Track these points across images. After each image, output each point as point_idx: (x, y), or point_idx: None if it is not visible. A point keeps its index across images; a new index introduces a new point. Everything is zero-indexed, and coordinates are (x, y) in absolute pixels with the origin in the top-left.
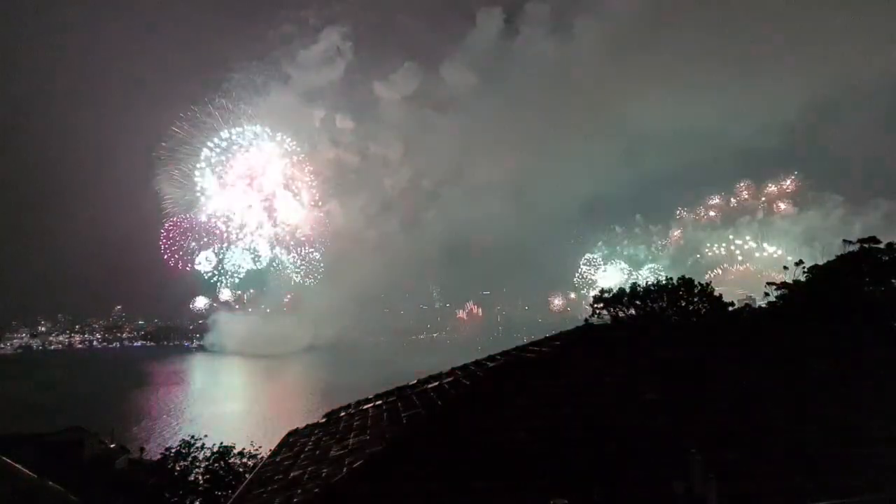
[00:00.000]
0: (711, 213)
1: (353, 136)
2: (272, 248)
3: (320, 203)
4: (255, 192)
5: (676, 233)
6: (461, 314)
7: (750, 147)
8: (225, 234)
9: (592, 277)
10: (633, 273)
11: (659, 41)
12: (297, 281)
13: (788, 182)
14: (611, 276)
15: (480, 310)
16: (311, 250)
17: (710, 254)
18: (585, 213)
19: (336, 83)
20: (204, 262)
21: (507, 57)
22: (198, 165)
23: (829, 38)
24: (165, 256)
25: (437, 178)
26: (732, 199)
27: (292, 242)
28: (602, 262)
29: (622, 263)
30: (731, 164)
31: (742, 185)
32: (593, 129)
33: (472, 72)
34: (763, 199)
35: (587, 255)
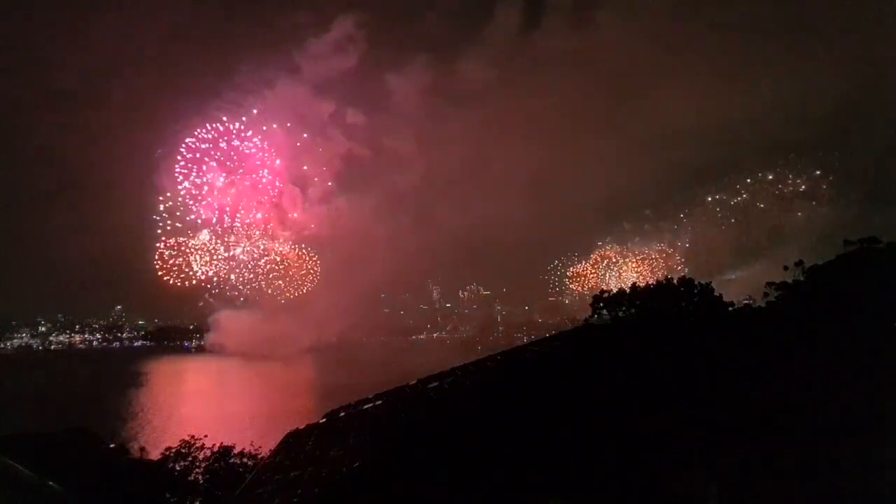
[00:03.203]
0: (725, 211)
1: (364, 130)
2: (277, 245)
3: (328, 200)
4: (261, 189)
5: (688, 230)
6: (462, 296)
7: (772, 142)
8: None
9: (597, 276)
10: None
11: (683, 33)
12: (303, 280)
13: (807, 179)
14: (617, 274)
15: (481, 289)
16: (317, 249)
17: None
18: (600, 210)
19: (348, 74)
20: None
21: (525, 49)
22: (203, 161)
23: (862, 30)
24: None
25: (451, 175)
26: (745, 196)
27: (299, 241)
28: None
29: (630, 261)
30: (750, 160)
31: (758, 182)
32: (613, 124)
33: (489, 64)
34: (779, 196)
35: (594, 253)
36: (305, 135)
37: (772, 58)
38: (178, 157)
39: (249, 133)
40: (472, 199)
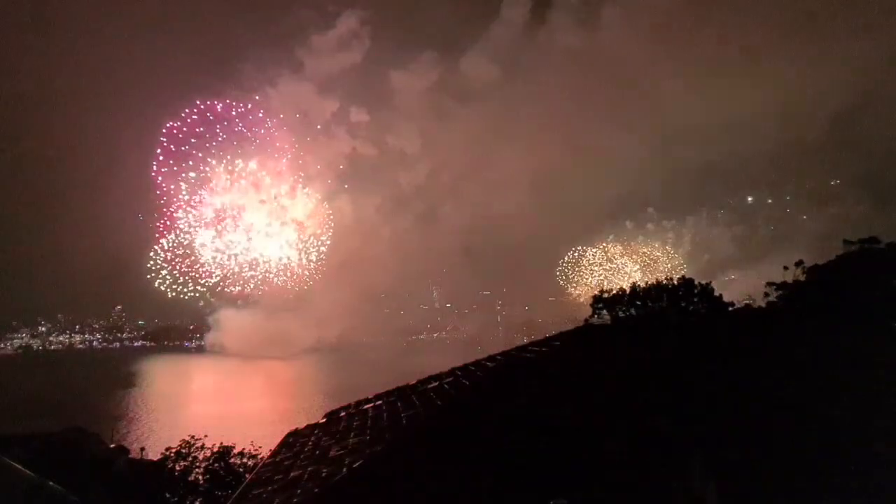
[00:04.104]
0: (727, 210)
1: (368, 128)
2: (280, 246)
3: (330, 200)
4: (263, 188)
5: (691, 229)
6: (462, 296)
7: (776, 142)
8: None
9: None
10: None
11: (688, 32)
12: (304, 279)
13: (811, 179)
14: (620, 273)
15: (481, 289)
16: (320, 247)
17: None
18: (603, 208)
19: (352, 71)
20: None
21: (531, 47)
22: (204, 159)
23: (868, 31)
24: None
25: (455, 173)
26: (749, 195)
27: (300, 241)
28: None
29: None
30: (754, 160)
31: (761, 181)
32: (620, 122)
33: (494, 61)
34: (782, 196)
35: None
36: (309, 133)
37: (777, 58)
38: (179, 156)
39: (257, 116)
40: (475, 199)
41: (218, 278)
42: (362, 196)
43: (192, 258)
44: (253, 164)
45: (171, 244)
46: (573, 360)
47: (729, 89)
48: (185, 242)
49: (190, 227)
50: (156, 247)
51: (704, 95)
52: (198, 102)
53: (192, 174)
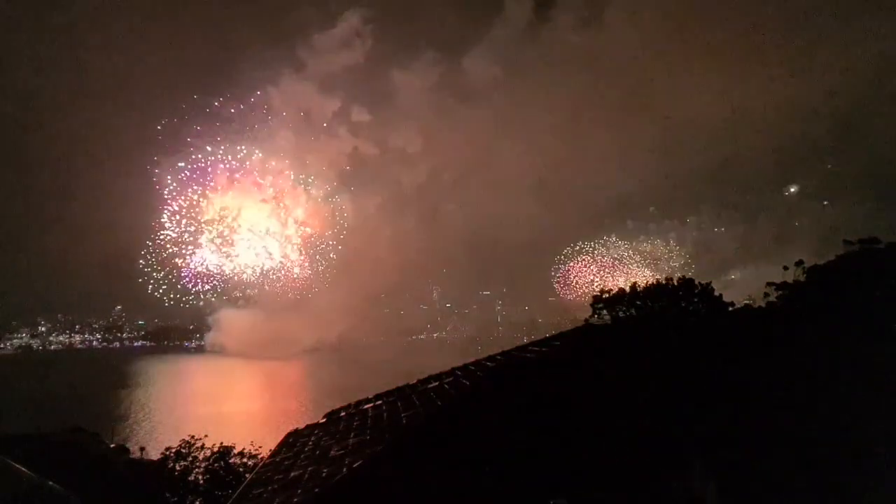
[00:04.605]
0: (730, 210)
1: (370, 128)
2: (281, 246)
3: (331, 199)
4: (265, 187)
5: (692, 229)
6: (462, 296)
7: (778, 142)
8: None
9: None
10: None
11: (691, 32)
12: (306, 280)
13: (813, 179)
14: (618, 273)
15: (481, 289)
16: (322, 248)
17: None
18: (604, 208)
19: (354, 70)
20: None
21: (533, 46)
22: (204, 158)
23: (870, 30)
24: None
25: (456, 173)
26: (750, 195)
27: (301, 241)
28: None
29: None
30: (756, 159)
31: (763, 181)
32: (622, 121)
33: (497, 61)
34: (784, 195)
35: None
36: (311, 132)
37: (780, 57)
38: (179, 155)
39: (259, 114)
40: (476, 198)
41: (217, 281)
42: (363, 195)
43: (189, 260)
44: (256, 155)
45: (166, 244)
46: (573, 360)
47: (731, 89)
48: (184, 241)
49: (187, 227)
50: (149, 244)
51: (706, 95)
52: (195, 98)
53: (180, 164)
